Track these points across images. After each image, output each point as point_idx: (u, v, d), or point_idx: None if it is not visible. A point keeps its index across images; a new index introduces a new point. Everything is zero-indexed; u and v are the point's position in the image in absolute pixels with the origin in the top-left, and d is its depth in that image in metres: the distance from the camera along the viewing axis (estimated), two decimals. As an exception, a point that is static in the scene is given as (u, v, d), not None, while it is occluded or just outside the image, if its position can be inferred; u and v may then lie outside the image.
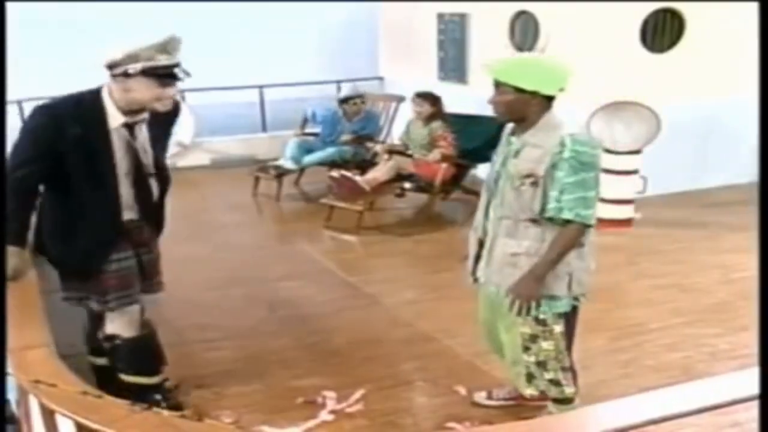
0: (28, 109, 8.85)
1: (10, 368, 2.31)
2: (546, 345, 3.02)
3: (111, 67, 2.89)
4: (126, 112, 2.99)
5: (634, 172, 6.23)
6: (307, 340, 4.35)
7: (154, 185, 3.21)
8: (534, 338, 3.03)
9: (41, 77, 7.64)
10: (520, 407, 3.42)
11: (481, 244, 3.12)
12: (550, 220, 2.85)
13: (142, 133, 3.10)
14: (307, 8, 9.60)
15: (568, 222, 2.83)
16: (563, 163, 2.78)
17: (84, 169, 2.97)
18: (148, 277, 3.36)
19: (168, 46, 2.89)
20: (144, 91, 2.91)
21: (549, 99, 2.87)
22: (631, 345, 4.17)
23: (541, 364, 3.06)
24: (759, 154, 3.51)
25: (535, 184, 2.84)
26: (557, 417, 2.78)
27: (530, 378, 3.12)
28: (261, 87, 9.17)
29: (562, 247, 2.88)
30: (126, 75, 2.87)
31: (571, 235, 2.86)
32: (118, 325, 3.26)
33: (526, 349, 3.06)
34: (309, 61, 9.91)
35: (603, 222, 6.42)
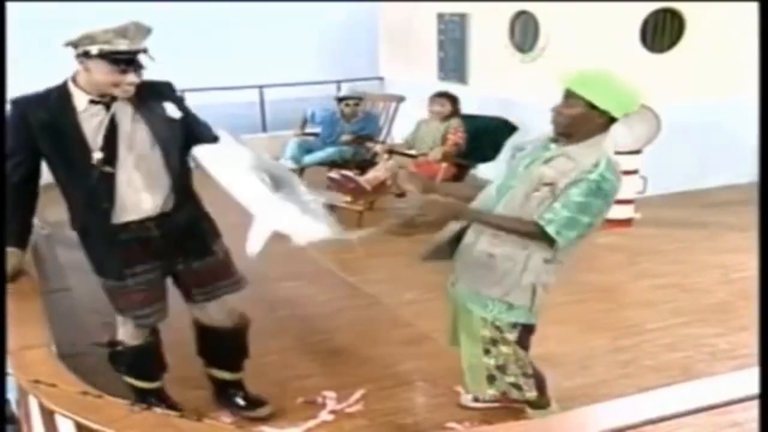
0: (28, 109, 8.72)
1: (10, 368, 2.31)
2: (505, 349, 3.02)
3: (68, 46, 2.81)
4: (88, 94, 2.86)
5: (634, 172, 6.23)
6: (307, 340, 4.35)
7: (164, 180, 2.98)
8: (494, 342, 3.02)
9: (41, 77, 7.64)
10: (507, 409, 3.41)
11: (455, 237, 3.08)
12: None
13: (128, 115, 2.90)
14: (307, 8, 9.59)
15: (545, 234, 2.75)
16: (584, 183, 2.71)
17: (57, 156, 2.89)
18: (200, 284, 3.21)
19: (128, 32, 2.78)
20: (102, 74, 2.79)
21: (611, 120, 2.78)
22: (631, 345, 4.17)
23: (501, 368, 3.06)
24: (759, 154, 3.51)
25: (550, 193, 2.76)
26: (557, 417, 2.77)
27: (491, 379, 3.11)
28: (261, 87, 9.17)
29: (511, 229, 2.82)
30: (85, 55, 2.77)
31: (530, 234, 2.79)
32: (125, 333, 3.23)
33: (487, 351, 3.05)
34: (309, 61, 9.90)
35: (603, 222, 6.47)
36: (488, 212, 2.90)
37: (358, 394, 3.63)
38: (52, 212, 6.19)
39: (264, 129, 9.22)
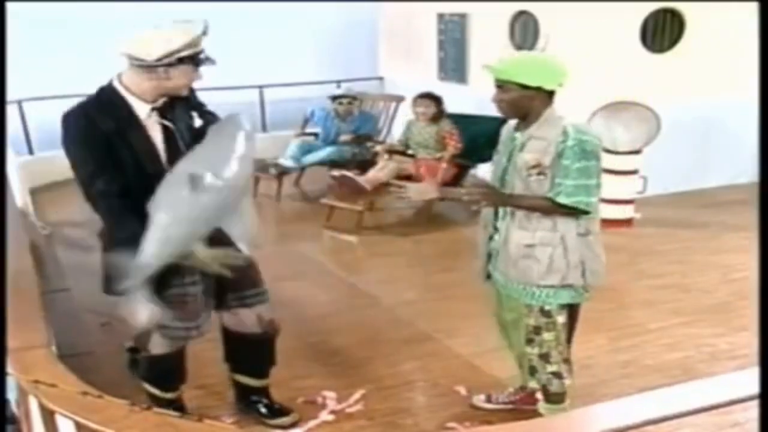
0: (29, 109, 8.82)
1: (10, 368, 2.31)
2: (548, 336, 3.07)
3: (164, 57, 2.72)
4: (147, 102, 2.83)
5: (634, 172, 6.23)
6: (307, 340, 4.35)
7: None
8: (537, 330, 3.08)
9: (41, 77, 7.64)
10: (518, 410, 3.42)
11: (490, 240, 3.16)
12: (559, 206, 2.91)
13: (175, 115, 2.90)
14: (307, 8, 9.59)
15: (563, 206, 2.88)
16: (568, 150, 2.85)
17: (131, 164, 2.78)
18: (236, 289, 3.16)
19: (207, 30, 2.82)
20: (185, 78, 2.79)
21: (550, 94, 2.95)
22: (631, 345, 4.17)
23: (544, 356, 3.11)
24: (759, 154, 3.51)
25: (542, 174, 2.90)
26: (557, 417, 2.78)
27: (533, 371, 3.18)
28: (261, 87, 9.16)
29: (528, 206, 2.96)
30: (175, 65, 2.74)
31: (547, 208, 2.92)
32: (156, 342, 3.16)
33: (530, 341, 3.12)
34: (309, 61, 9.89)
35: (603, 222, 6.45)
36: (506, 195, 3.03)
37: (358, 394, 3.63)
38: (52, 212, 6.22)
39: (264, 129, 9.22)
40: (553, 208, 2.91)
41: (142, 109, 2.82)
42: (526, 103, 2.93)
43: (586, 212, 2.92)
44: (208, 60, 2.85)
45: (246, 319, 3.26)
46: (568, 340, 3.18)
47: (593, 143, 2.89)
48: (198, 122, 2.98)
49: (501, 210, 3.07)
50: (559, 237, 2.95)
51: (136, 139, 2.81)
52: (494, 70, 2.95)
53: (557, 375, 3.14)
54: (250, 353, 3.37)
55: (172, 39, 2.74)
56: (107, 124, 2.76)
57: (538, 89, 2.91)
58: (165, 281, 2.85)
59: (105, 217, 2.84)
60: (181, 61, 2.75)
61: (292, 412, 3.51)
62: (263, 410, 3.47)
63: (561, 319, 3.07)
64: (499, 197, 3.06)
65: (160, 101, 2.85)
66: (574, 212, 2.91)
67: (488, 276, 3.22)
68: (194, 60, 2.79)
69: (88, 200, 2.80)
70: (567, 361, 3.15)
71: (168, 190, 2.67)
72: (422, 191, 3.37)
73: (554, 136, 2.88)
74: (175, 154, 2.84)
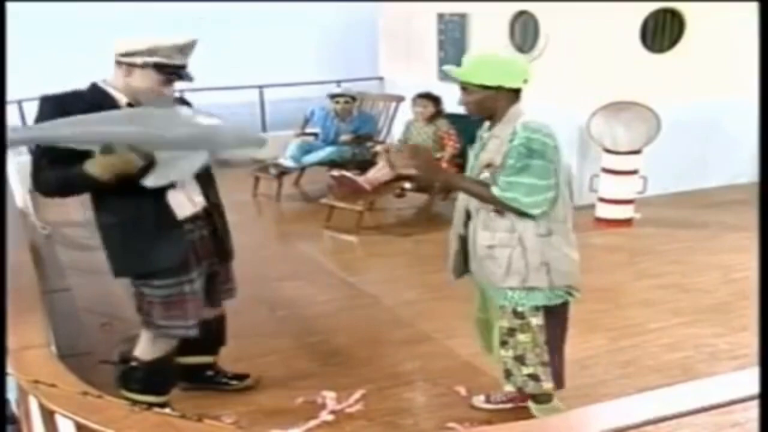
0: (28, 109, 8.81)
1: (10, 368, 2.30)
2: (523, 337, 3.05)
3: (125, 54, 2.83)
4: (125, 96, 2.92)
5: (634, 172, 6.23)
6: (307, 340, 4.35)
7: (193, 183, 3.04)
8: (511, 331, 3.06)
9: (41, 77, 7.64)
10: (518, 409, 3.42)
11: (461, 239, 3.18)
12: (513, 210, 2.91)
13: None
14: (307, 8, 9.59)
15: (497, 201, 2.89)
16: (513, 149, 2.86)
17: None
18: (224, 282, 3.34)
19: (187, 48, 2.88)
20: (146, 83, 2.85)
21: (515, 92, 2.96)
22: (631, 345, 4.17)
23: (519, 358, 3.08)
24: (759, 154, 3.51)
25: (494, 173, 2.91)
26: (557, 417, 2.77)
27: (508, 374, 3.14)
28: (261, 87, 9.17)
29: (471, 191, 3.00)
30: (135, 65, 2.82)
31: (484, 196, 2.93)
32: (143, 350, 3.16)
33: (504, 343, 3.10)
34: (309, 61, 9.89)
35: (603, 222, 6.50)
36: (463, 177, 3.13)
37: (358, 394, 3.63)
38: (52, 212, 6.22)
39: (264, 129, 9.22)
40: (490, 198, 2.90)
41: (121, 102, 2.91)
42: (491, 103, 2.95)
43: (523, 212, 2.88)
44: (181, 75, 2.89)
45: (211, 309, 3.38)
46: (561, 343, 3.13)
47: (541, 142, 2.85)
48: None
49: (472, 209, 3.07)
50: (516, 238, 2.93)
51: None
52: (455, 73, 2.98)
53: (533, 377, 3.09)
54: (208, 334, 3.42)
55: (140, 41, 2.83)
56: (81, 108, 2.79)
57: (499, 88, 2.91)
58: (183, 276, 2.98)
59: (52, 185, 2.87)
60: (143, 65, 2.82)
61: (249, 376, 3.69)
62: (222, 380, 3.64)
63: (535, 321, 3.03)
64: (454, 179, 3.15)
65: (134, 100, 2.91)
66: (516, 211, 2.88)
67: (460, 274, 3.25)
68: (159, 68, 2.84)
69: (33, 175, 2.86)
70: (545, 364, 3.08)
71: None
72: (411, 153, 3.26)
73: (506, 134, 2.90)
74: None
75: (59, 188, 2.90)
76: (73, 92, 2.93)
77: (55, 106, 2.83)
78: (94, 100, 2.86)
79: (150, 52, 2.81)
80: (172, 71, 2.87)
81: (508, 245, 2.95)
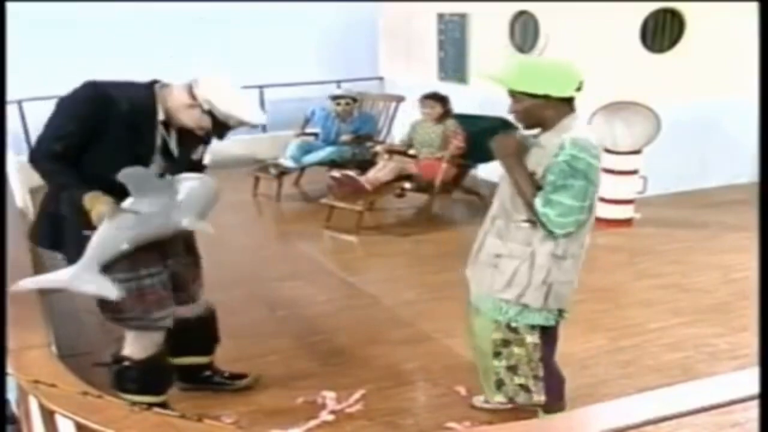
0: (28, 109, 8.82)
1: (10, 368, 2.30)
2: (518, 350, 3.02)
3: (192, 86, 2.92)
4: (165, 115, 3.01)
5: (634, 172, 6.23)
6: (307, 340, 4.35)
7: None
8: (506, 343, 3.02)
9: (41, 77, 7.63)
10: (518, 409, 3.42)
11: None
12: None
13: (173, 141, 3.07)
14: (307, 8, 9.58)
15: (535, 212, 2.80)
16: (556, 165, 2.76)
17: (125, 144, 2.90)
18: (195, 280, 3.42)
19: (245, 123, 3.01)
20: (195, 122, 2.96)
21: (565, 101, 2.82)
22: (631, 345, 4.17)
23: (512, 368, 3.05)
24: (759, 154, 3.51)
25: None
26: (557, 417, 2.78)
27: (499, 384, 3.11)
28: (261, 87, 9.16)
29: (520, 184, 2.84)
30: (202, 107, 2.91)
31: (527, 200, 2.81)
32: (132, 348, 3.15)
33: (497, 354, 3.05)
34: (309, 61, 9.88)
35: (603, 222, 6.48)
36: (521, 170, 2.88)
37: (358, 394, 3.63)
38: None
39: (264, 129, 9.21)
40: (529, 202, 2.81)
41: (160, 113, 2.99)
42: (539, 112, 2.82)
43: (551, 231, 2.80)
44: (222, 136, 3.05)
45: (201, 305, 3.47)
46: (549, 360, 3.10)
47: (587, 162, 2.74)
48: (197, 155, 3.20)
49: (491, 215, 3.04)
50: (529, 252, 2.87)
51: (144, 130, 2.97)
52: (500, 81, 2.84)
53: (524, 388, 3.06)
54: (198, 333, 3.51)
55: (224, 100, 2.92)
56: (124, 106, 2.88)
57: (547, 97, 2.78)
58: (143, 270, 3.03)
59: (47, 173, 2.93)
60: (209, 112, 2.92)
61: (248, 376, 3.71)
62: (219, 380, 3.67)
63: (531, 339, 3.00)
64: (513, 159, 2.90)
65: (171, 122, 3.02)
66: (543, 226, 2.80)
67: None
68: (215, 122, 2.95)
69: (34, 155, 2.91)
70: (538, 378, 3.05)
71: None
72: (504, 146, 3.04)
73: (553, 146, 2.78)
74: (165, 164, 3.06)
75: (49, 181, 2.98)
76: (119, 83, 2.97)
77: (101, 92, 2.89)
78: (134, 105, 2.91)
79: (225, 115, 2.92)
80: (222, 131, 3.01)
81: (517, 257, 2.89)
